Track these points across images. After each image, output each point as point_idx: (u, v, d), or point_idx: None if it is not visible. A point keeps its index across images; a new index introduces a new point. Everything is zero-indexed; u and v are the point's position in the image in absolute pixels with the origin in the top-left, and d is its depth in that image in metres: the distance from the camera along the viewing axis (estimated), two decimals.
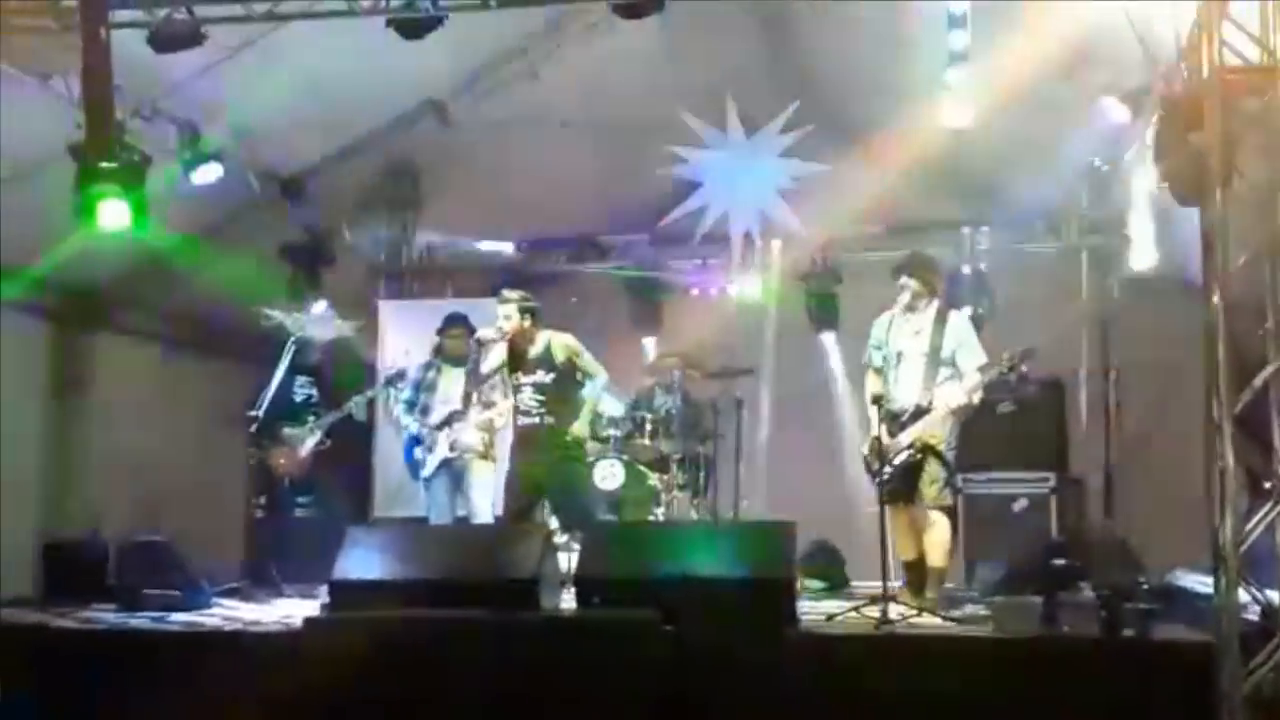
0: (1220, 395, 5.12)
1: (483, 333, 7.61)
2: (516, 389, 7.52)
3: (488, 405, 8.16)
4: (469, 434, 8.13)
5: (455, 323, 8.36)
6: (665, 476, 8.91)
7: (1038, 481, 8.68)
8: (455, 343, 8.27)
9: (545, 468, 7.42)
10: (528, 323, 7.49)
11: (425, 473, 8.20)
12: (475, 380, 7.89)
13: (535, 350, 7.50)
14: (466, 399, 8.14)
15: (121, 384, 9.96)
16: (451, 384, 8.26)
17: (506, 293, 7.64)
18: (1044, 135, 8.41)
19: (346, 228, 10.37)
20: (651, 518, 8.75)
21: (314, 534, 8.45)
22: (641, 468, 8.90)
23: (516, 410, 7.54)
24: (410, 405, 8.32)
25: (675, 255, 10.47)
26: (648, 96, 8.99)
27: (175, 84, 7.75)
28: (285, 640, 6.07)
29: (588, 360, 7.57)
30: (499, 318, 7.51)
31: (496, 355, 7.57)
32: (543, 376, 7.44)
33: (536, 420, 7.42)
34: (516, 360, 7.51)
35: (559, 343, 7.51)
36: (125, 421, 9.81)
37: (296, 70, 7.93)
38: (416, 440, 8.26)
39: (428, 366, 8.42)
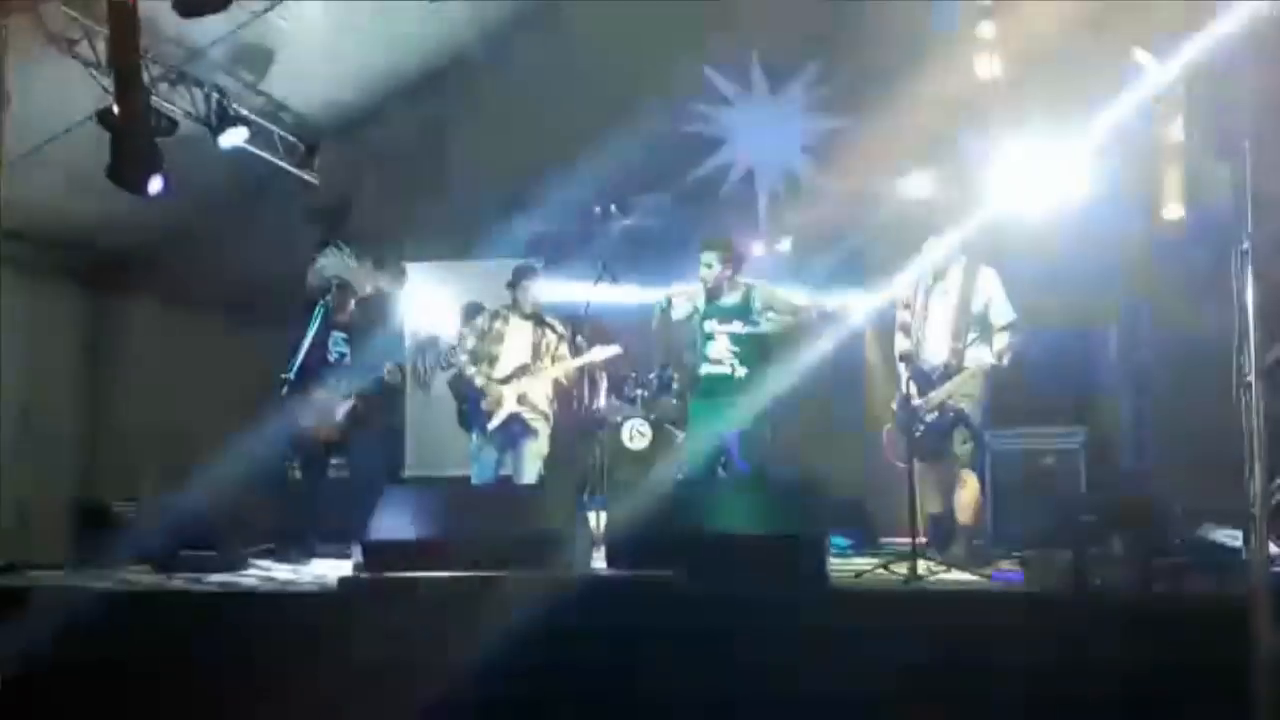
0: (1250, 350, 5.09)
1: (677, 287, 7.50)
2: (709, 337, 7.42)
3: (556, 359, 8.04)
4: (537, 388, 7.99)
5: (525, 273, 8.20)
6: None
7: (1067, 436, 8.64)
8: (525, 295, 8.12)
9: (727, 417, 7.34)
10: (729, 271, 7.44)
11: (492, 425, 7.99)
12: (663, 329, 7.71)
13: (732, 300, 7.46)
14: (535, 351, 8.03)
15: (153, 348, 10.04)
16: (519, 337, 8.10)
17: (710, 239, 7.57)
18: (1074, 86, 8.32)
19: (373, 188, 10.38)
20: (680, 477, 8.77)
21: (347, 494, 8.47)
22: (669, 427, 8.92)
23: (705, 358, 7.45)
24: (475, 357, 8.11)
25: (700, 213, 10.42)
26: (673, 53, 8.96)
27: (201, 49, 7.76)
28: (320, 600, 6.15)
29: (786, 302, 7.50)
30: (700, 265, 7.44)
31: (687, 304, 7.48)
32: (739, 328, 7.41)
33: (728, 370, 7.39)
34: (711, 309, 7.44)
35: (761, 294, 7.46)
36: (158, 385, 9.89)
37: (322, 33, 7.93)
38: (482, 393, 8.04)
39: (494, 315, 8.22)
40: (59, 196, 8.02)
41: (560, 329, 8.15)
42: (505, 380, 7.99)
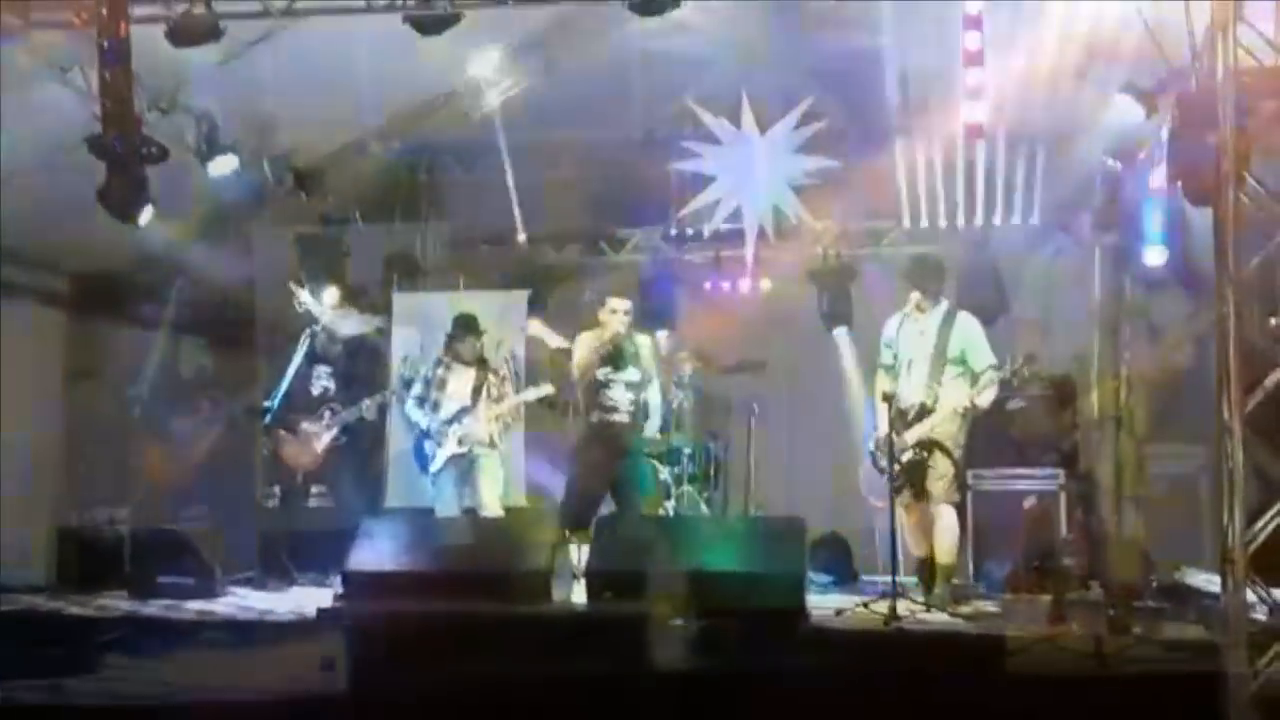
0: (1230, 395, 5.13)
1: (593, 333, 7.70)
2: (606, 385, 7.63)
3: (497, 400, 8.39)
4: (479, 427, 8.32)
5: (464, 325, 8.55)
6: (676, 470, 8.92)
7: (1047, 479, 8.67)
8: (465, 345, 8.48)
9: (626, 464, 7.62)
10: (630, 319, 7.76)
11: (434, 467, 8.36)
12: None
13: (630, 349, 7.74)
14: (476, 394, 8.36)
15: (135, 372, 9.99)
16: (461, 382, 8.45)
17: (617, 299, 7.81)
18: (1058, 133, 8.41)
19: (361, 219, 10.40)
20: (662, 511, 8.77)
21: (327, 524, 8.49)
22: (653, 461, 8.91)
23: (601, 407, 7.62)
24: (421, 401, 8.49)
25: (689, 250, 10.46)
26: (663, 90, 9.01)
27: (192, 77, 7.79)
28: (298, 630, 6.12)
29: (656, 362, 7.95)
30: (618, 312, 7.64)
31: (586, 349, 7.70)
32: (633, 375, 7.68)
33: (625, 418, 7.63)
34: (612, 358, 7.67)
35: (645, 343, 7.87)
36: (138, 409, 9.85)
37: (313, 63, 7.96)
38: (426, 435, 8.43)
39: (438, 364, 8.59)
40: (43, 219, 8.02)
41: (502, 371, 8.68)
42: (448, 422, 8.36)
